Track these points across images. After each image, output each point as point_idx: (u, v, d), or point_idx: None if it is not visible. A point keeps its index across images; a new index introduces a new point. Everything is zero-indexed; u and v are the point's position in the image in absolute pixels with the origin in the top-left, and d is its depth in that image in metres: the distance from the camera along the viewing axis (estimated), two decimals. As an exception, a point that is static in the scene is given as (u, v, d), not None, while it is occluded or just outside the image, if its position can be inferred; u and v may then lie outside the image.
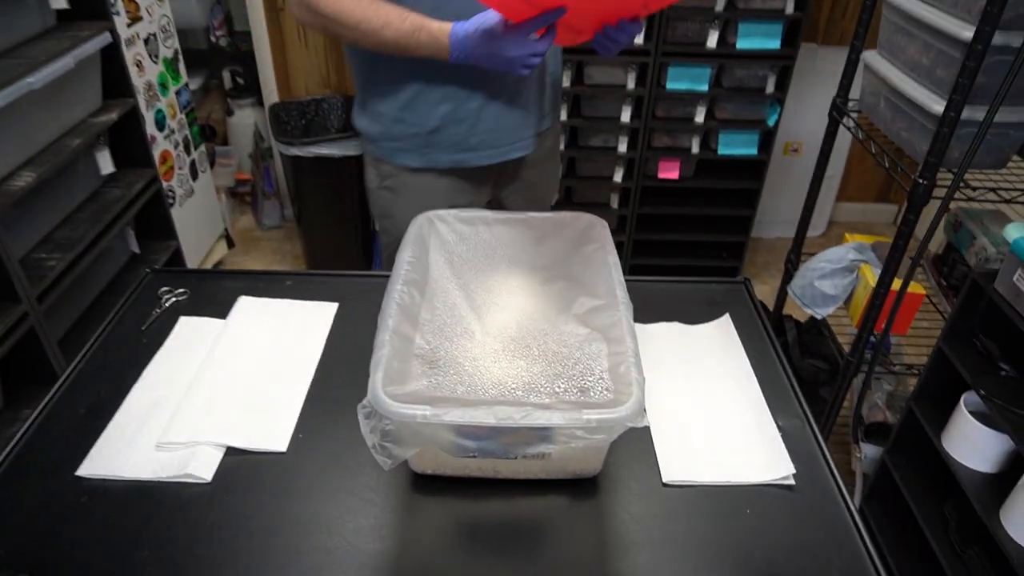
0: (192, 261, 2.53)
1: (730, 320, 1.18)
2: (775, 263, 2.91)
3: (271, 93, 2.85)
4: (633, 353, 0.85)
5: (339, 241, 2.74)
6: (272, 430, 0.95)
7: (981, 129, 1.25)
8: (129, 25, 2.12)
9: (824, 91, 2.79)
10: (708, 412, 1.00)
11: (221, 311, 1.17)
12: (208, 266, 2.72)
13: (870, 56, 1.59)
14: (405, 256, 1.00)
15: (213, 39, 3.07)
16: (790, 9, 2.21)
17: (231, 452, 0.93)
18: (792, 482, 0.92)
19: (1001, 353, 1.47)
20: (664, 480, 0.92)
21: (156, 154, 2.25)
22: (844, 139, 3.04)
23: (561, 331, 0.94)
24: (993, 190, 1.37)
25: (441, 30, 1.11)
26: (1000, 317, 1.42)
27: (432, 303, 0.98)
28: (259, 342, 1.09)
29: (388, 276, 1.27)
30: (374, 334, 0.85)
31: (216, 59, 3.09)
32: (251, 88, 3.05)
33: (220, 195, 2.89)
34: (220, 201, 2.87)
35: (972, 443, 1.47)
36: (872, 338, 1.66)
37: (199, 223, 2.62)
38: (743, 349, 1.12)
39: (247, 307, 1.17)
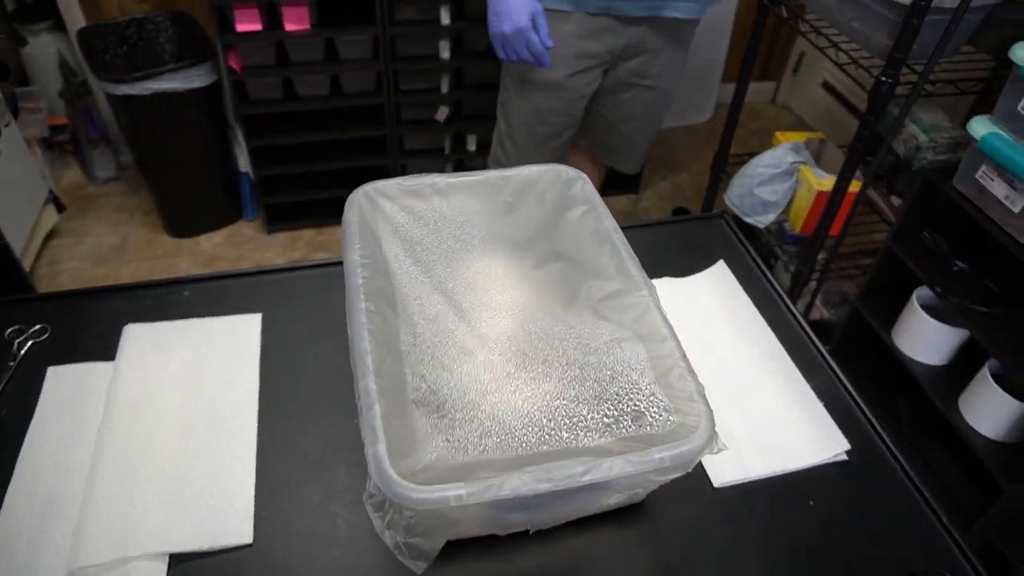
0: (17, 241, 2.07)
1: (726, 267, 1.04)
2: (670, 155, 2.83)
3: (75, 15, 2.29)
4: (680, 354, 0.70)
5: (197, 187, 2.34)
6: (226, 515, 0.72)
7: (956, 16, 1.14)
8: None
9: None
10: (738, 390, 0.88)
11: (103, 349, 0.88)
12: (39, 241, 2.25)
13: (805, -66, 1.43)
14: (354, 255, 0.76)
15: (-23, -54, 2.41)
16: None
17: (179, 560, 0.69)
18: (845, 457, 0.83)
19: (949, 247, 1.46)
20: (715, 484, 0.79)
21: (-63, 112, 1.75)
22: (726, 19, 2.94)
23: (579, 332, 0.76)
24: (951, 82, 1.29)
25: None
26: (950, 213, 1.39)
27: (409, 318, 0.76)
28: (171, 387, 0.83)
29: (319, 266, 1.03)
30: (320, 357, 0.64)
31: (-15, -28, 2.44)
32: (44, 8, 2.45)
33: (34, 148, 2.36)
34: (35, 156, 2.34)
35: (926, 338, 1.48)
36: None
37: (14, 190, 2.13)
38: (750, 301, 1.00)
39: (139, 339, 0.89)
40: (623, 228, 0.87)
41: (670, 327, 0.73)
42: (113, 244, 2.34)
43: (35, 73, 2.53)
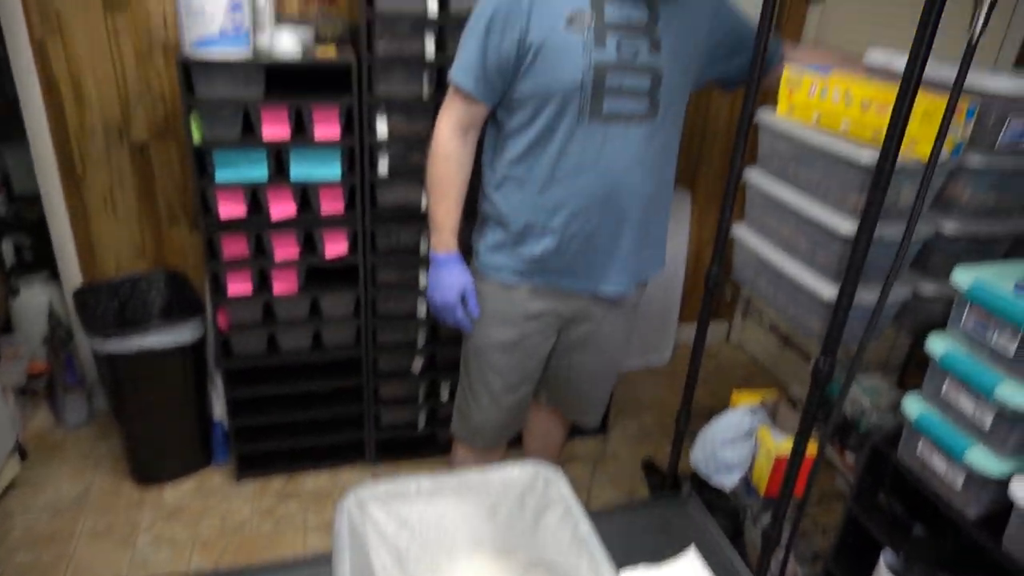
0: (-24, 496, 2.01)
1: (697, 556, 1.08)
2: (635, 397, 2.95)
3: (72, 274, 2.43)
4: None
5: (170, 435, 2.33)
6: None
7: (878, 308, 1.31)
8: None
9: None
10: None
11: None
12: (-3, 494, 2.18)
13: (740, 231, 1.66)
14: (344, 572, 0.80)
15: (-11, 208, 2.62)
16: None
17: None
18: None
19: (906, 510, 1.52)
20: None
21: (-76, 375, 1.79)
22: (678, 270, 3.23)
23: (563, 653, 0.78)
24: (881, 364, 1.44)
25: (445, 242, 1.55)
26: (902, 478, 1.48)
27: (396, 641, 0.78)
28: None
29: (300, 564, 1.04)
30: None
31: (-7, 230, 2.63)
32: (42, 261, 2.61)
33: (7, 396, 2.37)
34: (8, 403, 2.35)
35: (899, 605, 1.49)
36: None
37: (-17, 443, 2.11)
38: (723, 594, 1.03)
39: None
40: (596, 512, 0.93)
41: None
42: (74, 495, 2.28)
43: (21, 321, 2.63)
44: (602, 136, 1.40)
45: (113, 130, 2.29)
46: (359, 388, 2.34)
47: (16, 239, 2.68)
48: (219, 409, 2.37)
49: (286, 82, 1.99)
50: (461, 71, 1.42)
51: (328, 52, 1.94)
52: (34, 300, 2.61)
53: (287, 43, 1.86)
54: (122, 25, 2.17)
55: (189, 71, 1.82)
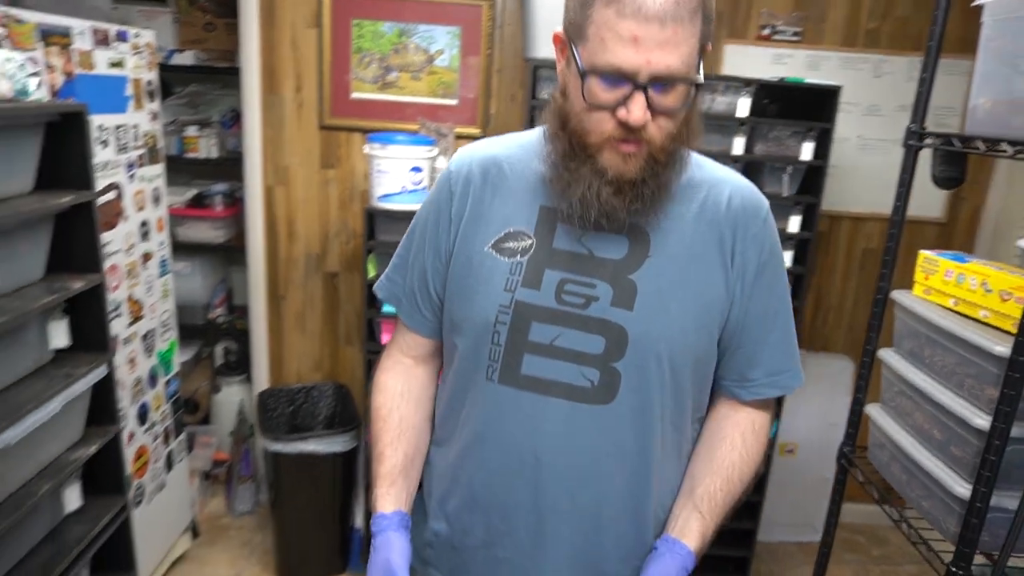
0: (149, 563, 2.30)
1: None
2: (784, 574, 2.72)
3: (261, 379, 2.81)
4: None
5: (315, 535, 2.54)
6: None
7: (1019, 514, 1.19)
8: (130, 324, 2.13)
9: (815, 392, 2.83)
10: None
11: None
12: (166, 566, 2.48)
13: (874, 411, 1.59)
14: None
15: (211, 315, 3.12)
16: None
17: None
18: None
19: None
20: None
21: (131, 451, 2.14)
22: (836, 438, 3.02)
23: None
24: (1031, 578, 1.28)
25: (380, 498, 1.02)
26: None
27: None
28: None
29: None
30: None
31: (211, 334, 3.11)
32: (241, 365, 3.04)
33: (193, 479, 2.73)
34: (192, 486, 2.70)
35: None
36: None
37: (165, 519, 2.43)
38: None
39: None
40: None
41: None
42: (226, 580, 2.52)
43: (217, 414, 3.05)
44: (515, 409, 0.96)
45: (312, 261, 2.70)
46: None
47: (226, 345, 3.16)
48: (360, 518, 2.55)
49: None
50: (382, 277, 1.17)
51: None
52: (230, 398, 3.03)
53: (456, 199, 2.14)
54: (332, 177, 2.61)
55: (373, 219, 2.15)
